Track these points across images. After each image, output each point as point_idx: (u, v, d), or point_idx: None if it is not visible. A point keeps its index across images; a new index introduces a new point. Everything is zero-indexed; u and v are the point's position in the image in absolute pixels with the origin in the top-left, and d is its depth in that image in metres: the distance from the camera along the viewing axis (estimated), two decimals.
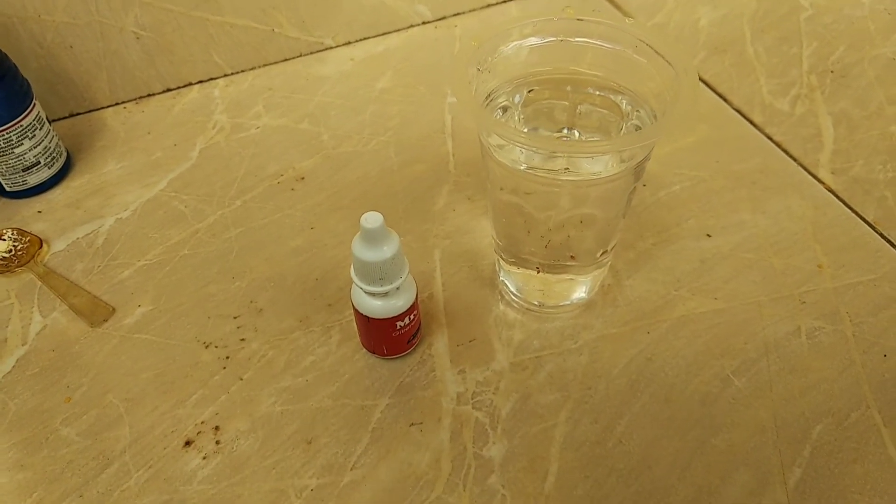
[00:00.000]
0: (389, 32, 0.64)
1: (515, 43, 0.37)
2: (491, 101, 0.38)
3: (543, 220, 0.36)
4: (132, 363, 0.41)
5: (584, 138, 0.39)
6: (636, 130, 0.37)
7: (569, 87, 0.39)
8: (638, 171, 0.35)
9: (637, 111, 0.37)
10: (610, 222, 0.37)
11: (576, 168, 0.35)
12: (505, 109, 0.39)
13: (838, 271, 0.44)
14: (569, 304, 0.42)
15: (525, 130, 0.39)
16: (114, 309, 0.44)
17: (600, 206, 0.35)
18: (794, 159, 0.51)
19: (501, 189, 0.36)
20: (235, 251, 0.46)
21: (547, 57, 0.38)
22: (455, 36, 0.64)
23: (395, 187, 0.50)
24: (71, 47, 0.54)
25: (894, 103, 0.55)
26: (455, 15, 0.66)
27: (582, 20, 0.37)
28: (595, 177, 0.34)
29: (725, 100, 0.56)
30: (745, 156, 0.51)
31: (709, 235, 0.46)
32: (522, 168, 0.34)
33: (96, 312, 0.43)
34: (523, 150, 0.34)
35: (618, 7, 0.67)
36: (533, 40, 0.37)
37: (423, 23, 0.65)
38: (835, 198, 0.48)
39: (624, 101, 0.37)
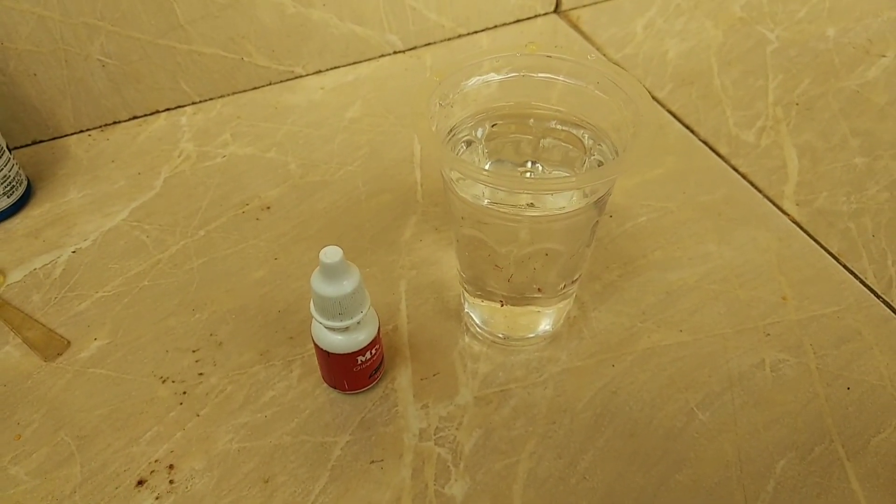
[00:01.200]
0: (360, 62, 0.64)
1: (478, 78, 0.37)
2: (454, 135, 0.38)
3: (506, 254, 0.36)
4: (86, 399, 0.40)
5: (548, 172, 0.39)
6: (598, 166, 0.37)
7: (532, 121, 0.39)
8: (600, 204, 0.35)
9: (599, 145, 0.37)
10: (574, 255, 0.37)
11: (540, 203, 0.35)
12: (469, 143, 0.38)
13: (803, 303, 0.44)
14: (534, 337, 0.42)
15: (489, 164, 0.39)
16: (69, 342, 0.42)
17: (564, 239, 0.35)
18: (760, 191, 0.52)
19: (463, 221, 0.36)
20: (197, 282, 0.46)
21: (510, 92, 0.38)
22: (426, 66, 0.64)
23: (362, 217, 0.50)
24: (34, 75, 0.53)
25: (858, 135, 0.56)
26: (426, 45, 0.66)
27: (545, 56, 0.37)
28: (558, 211, 0.34)
29: (692, 131, 0.57)
30: (712, 187, 0.52)
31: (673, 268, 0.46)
32: (485, 203, 0.34)
33: (51, 346, 0.42)
34: (486, 186, 0.34)
35: (588, 38, 0.68)
36: (495, 76, 0.37)
37: (395, 52, 0.65)
38: (799, 229, 0.49)
39: (586, 136, 0.38)
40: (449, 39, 0.67)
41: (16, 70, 0.52)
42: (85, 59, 0.54)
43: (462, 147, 0.38)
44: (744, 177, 0.53)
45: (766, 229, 0.49)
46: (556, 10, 0.71)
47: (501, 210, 0.34)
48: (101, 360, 0.41)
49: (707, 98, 0.60)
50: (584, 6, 0.72)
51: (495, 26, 0.68)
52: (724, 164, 0.54)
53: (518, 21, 0.69)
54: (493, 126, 0.39)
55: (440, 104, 0.36)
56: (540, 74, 0.38)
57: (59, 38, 0.52)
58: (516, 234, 0.35)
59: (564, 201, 0.35)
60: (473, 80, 0.37)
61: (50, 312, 0.44)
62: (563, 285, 0.39)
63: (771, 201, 0.51)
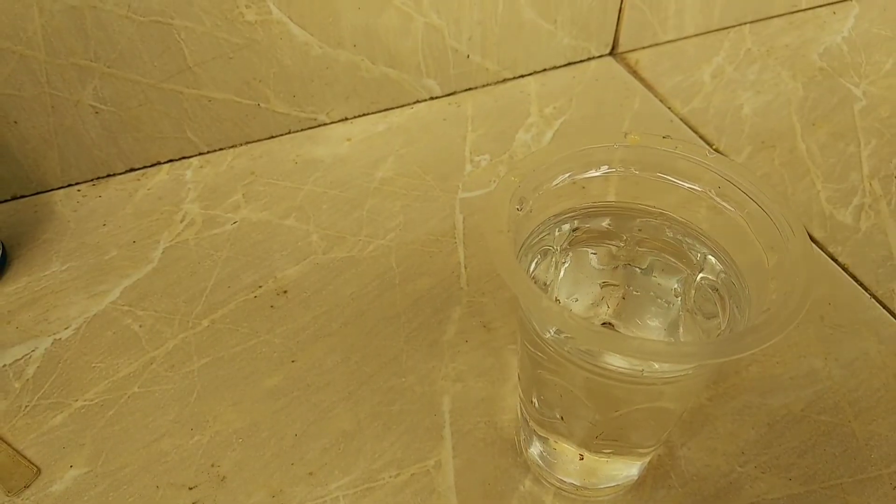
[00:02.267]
0: (392, 108, 0.56)
1: (564, 176, 0.29)
2: (526, 245, 0.30)
3: (598, 408, 0.28)
4: None
5: (643, 280, 0.31)
6: (714, 291, 0.29)
7: (637, 223, 0.31)
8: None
9: (715, 266, 0.29)
10: (685, 408, 0.29)
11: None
12: (545, 254, 0.30)
13: None
14: (613, 486, 0.34)
15: (563, 271, 0.31)
16: (39, 470, 0.35)
17: (679, 398, 0.27)
18: (866, 289, 0.44)
19: (540, 361, 0.28)
20: (197, 391, 0.38)
21: (601, 192, 0.30)
22: (466, 115, 0.56)
23: (397, 308, 0.42)
24: (15, 122, 0.45)
25: None
26: (466, 90, 0.58)
27: (649, 148, 0.29)
28: (677, 372, 0.26)
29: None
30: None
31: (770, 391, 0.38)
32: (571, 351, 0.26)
33: (16, 475, 0.34)
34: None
35: (649, 87, 0.60)
36: (592, 172, 0.29)
37: (431, 98, 0.57)
38: None
39: (699, 252, 0.30)
40: (493, 84, 0.59)
41: None
42: (75, 105, 0.46)
43: (538, 258, 0.31)
44: (845, 269, 0.45)
45: (879, 341, 0.41)
46: (612, 53, 0.63)
47: (604, 368, 0.26)
48: (76, 497, 0.34)
49: (793, 166, 0.52)
50: (643, 48, 0.64)
51: (544, 70, 0.60)
52: (820, 251, 0.46)
53: (570, 64, 0.61)
54: (575, 231, 0.31)
55: (518, 209, 0.28)
56: (640, 172, 0.30)
57: (44, 82, 0.44)
58: (616, 390, 0.27)
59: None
60: (559, 178, 0.29)
61: (18, 427, 0.36)
62: (666, 433, 0.31)
63: (881, 303, 0.43)
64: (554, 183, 0.29)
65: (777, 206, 0.27)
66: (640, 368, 0.26)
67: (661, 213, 0.30)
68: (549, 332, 0.27)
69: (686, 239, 0.30)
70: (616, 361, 0.26)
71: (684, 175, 0.29)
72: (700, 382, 0.28)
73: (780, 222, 0.27)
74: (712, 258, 0.29)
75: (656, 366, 0.27)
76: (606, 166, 0.30)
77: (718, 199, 0.28)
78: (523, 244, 0.29)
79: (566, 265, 0.32)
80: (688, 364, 0.25)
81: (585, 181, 0.30)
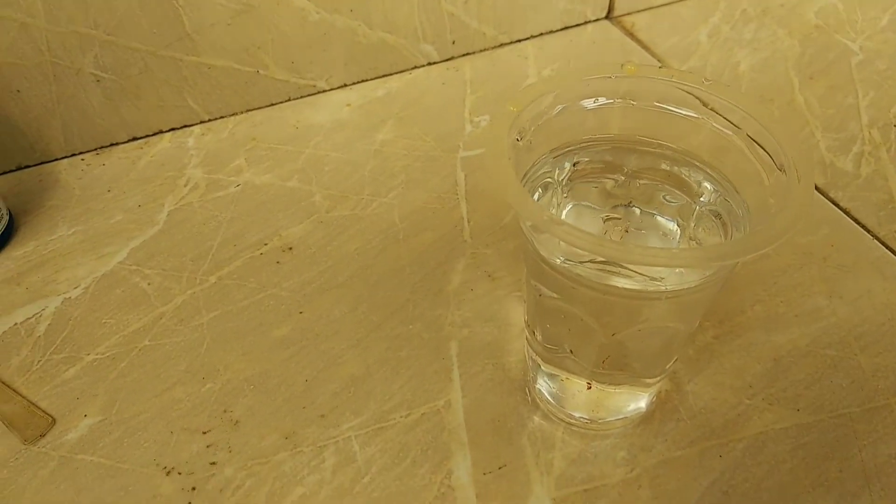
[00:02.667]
0: (391, 74, 0.57)
1: (561, 106, 0.30)
2: (528, 178, 0.30)
3: (605, 330, 0.28)
4: (74, 495, 0.32)
5: (646, 217, 0.31)
6: (716, 217, 0.29)
7: (633, 157, 0.31)
8: (731, 270, 0.27)
9: (715, 191, 0.29)
10: (692, 331, 0.29)
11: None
12: (546, 187, 0.31)
13: None
14: (622, 419, 0.34)
15: (567, 209, 0.32)
16: (54, 420, 0.35)
17: (685, 316, 0.28)
18: (868, 230, 0.44)
19: (543, 286, 0.28)
20: (207, 342, 0.38)
21: (602, 123, 0.31)
22: (465, 79, 0.56)
23: (401, 261, 0.42)
24: (18, 91, 0.45)
25: None
26: (464, 55, 0.58)
27: (646, 78, 0.29)
28: (685, 285, 0.26)
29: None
30: (811, 226, 0.44)
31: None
32: (582, 267, 0.26)
33: (32, 424, 0.35)
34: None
35: (646, 48, 0.60)
36: (588, 103, 0.30)
37: (429, 63, 0.58)
38: None
39: (699, 179, 0.30)
40: (490, 49, 0.59)
41: None
42: (76, 73, 0.46)
43: (539, 192, 0.31)
44: (847, 213, 0.45)
45: (883, 279, 0.41)
46: (609, 16, 0.63)
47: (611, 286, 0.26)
48: (91, 444, 0.34)
49: (791, 118, 0.52)
50: (639, 11, 0.64)
51: (541, 34, 0.61)
52: (821, 197, 0.46)
53: (566, 28, 0.62)
54: (575, 165, 0.31)
55: (518, 139, 0.29)
56: (638, 102, 0.30)
57: (45, 50, 0.45)
58: (623, 309, 0.27)
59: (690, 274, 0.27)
60: (557, 108, 0.30)
61: (32, 380, 0.37)
62: (672, 362, 0.31)
63: (883, 243, 0.43)
64: (552, 114, 0.29)
65: (773, 126, 0.27)
66: (644, 285, 0.26)
67: (658, 143, 0.31)
68: (559, 259, 0.27)
69: (683, 168, 0.30)
70: (621, 282, 0.26)
71: (682, 103, 0.30)
72: (702, 300, 0.28)
73: (777, 141, 0.27)
74: (708, 184, 0.29)
75: (662, 279, 0.27)
76: (604, 97, 0.30)
77: (716, 125, 0.29)
78: (525, 176, 0.30)
79: (568, 199, 0.32)
80: (690, 266, 0.25)
81: (584, 112, 0.30)
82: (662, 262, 0.23)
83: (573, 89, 0.30)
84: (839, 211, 0.45)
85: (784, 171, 0.26)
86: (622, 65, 0.30)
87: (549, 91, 0.29)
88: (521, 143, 0.29)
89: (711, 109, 0.29)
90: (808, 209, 0.24)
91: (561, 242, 0.24)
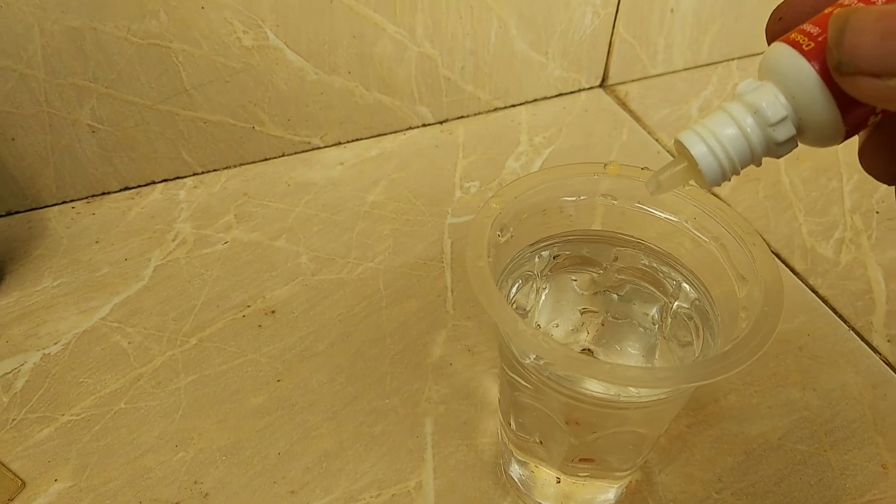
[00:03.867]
0: (385, 134, 0.57)
1: (544, 202, 0.30)
2: (508, 270, 0.30)
3: (574, 432, 0.28)
4: None
5: (622, 305, 0.32)
6: (688, 320, 0.30)
7: (613, 251, 0.31)
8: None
9: (689, 294, 0.30)
10: (659, 433, 0.30)
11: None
12: (527, 279, 0.31)
13: None
14: None
15: (544, 297, 0.32)
16: (24, 483, 0.35)
17: (652, 423, 0.28)
18: (845, 320, 0.44)
19: (519, 385, 0.29)
20: (183, 408, 0.38)
21: (582, 219, 0.31)
22: (458, 143, 0.57)
23: (383, 330, 0.43)
24: (13, 139, 0.46)
25: None
26: (458, 118, 0.59)
27: (626, 179, 0.30)
28: (653, 398, 0.26)
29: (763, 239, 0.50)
30: (790, 313, 0.45)
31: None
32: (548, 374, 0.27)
33: (1, 488, 0.35)
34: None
35: (637, 119, 0.61)
36: (567, 199, 0.30)
37: (423, 125, 0.58)
38: (895, 374, 0.41)
39: (674, 280, 0.30)
40: (485, 113, 0.60)
41: None
42: (72, 123, 0.47)
43: (519, 282, 0.31)
44: (825, 301, 0.46)
45: (857, 372, 0.41)
46: (602, 85, 0.64)
47: (582, 394, 0.26)
48: None
49: (776, 199, 0.53)
50: (633, 81, 0.65)
51: (535, 100, 0.62)
52: (801, 283, 0.47)
53: (560, 95, 0.63)
54: (555, 258, 0.32)
55: (499, 235, 0.29)
56: (619, 202, 0.31)
57: (43, 100, 0.45)
58: (592, 414, 0.27)
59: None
60: (540, 204, 0.30)
61: (5, 440, 0.37)
62: (640, 459, 0.31)
63: (859, 335, 0.44)
64: (535, 210, 0.30)
65: (748, 238, 0.28)
66: (616, 393, 0.27)
67: (638, 242, 0.31)
68: (529, 358, 0.27)
69: (662, 267, 0.31)
70: (593, 386, 0.27)
71: (662, 206, 0.30)
72: (673, 408, 0.29)
73: (751, 254, 0.27)
74: (687, 286, 0.30)
75: (632, 391, 0.27)
76: (586, 195, 0.31)
77: (694, 230, 0.29)
78: (504, 269, 0.30)
79: (547, 291, 0.32)
80: (659, 388, 0.26)
81: (566, 209, 0.31)
82: (622, 382, 0.24)
83: (556, 186, 0.30)
84: (818, 299, 0.46)
85: (751, 283, 0.27)
86: (605, 164, 0.31)
87: (532, 187, 0.30)
88: (502, 238, 0.29)
89: (691, 215, 0.30)
90: (772, 335, 0.24)
91: None
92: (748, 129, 0.20)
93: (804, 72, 0.19)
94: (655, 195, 0.24)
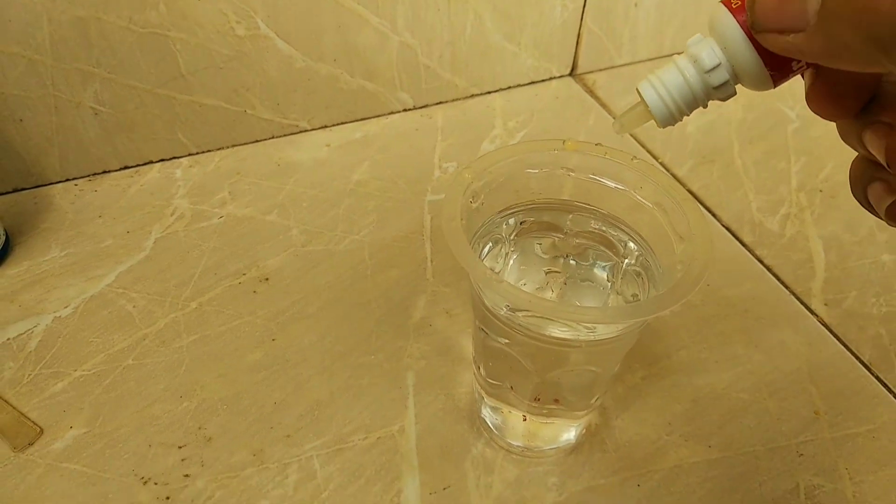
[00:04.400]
0: (369, 118, 0.61)
1: (511, 173, 0.34)
2: (479, 234, 0.35)
3: (537, 371, 0.32)
4: (58, 500, 0.36)
5: (583, 268, 0.36)
6: (637, 276, 0.34)
7: (569, 218, 0.36)
8: (640, 327, 0.32)
9: (636, 252, 0.34)
10: (613, 373, 0.34)
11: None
12: (496, 242, 0.35)
13: (836, 419, 0.41)
14: (555, 448, 0.38)
15: (513, 260, 0.36)
16: (41, 430, 0.38)
17: (605, 361, 0.32)
18: (787, 287, 0.49)
19: (488, 330, 0.33)
20: (186, 364, 0.42)
21: (544, 189, 0.35)
22: (436, 126, 0.61)
23: (368, 296, 0.46)
24: (20, 120, 0.49)
25: (884, 230, 0.54)
26: (437, 104, 0.63)
27: (583, 154, 0.34)
28: (606, 336, 0.31)
29: (714, 215, 0.55)
30: (737, 280, 0.49)
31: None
32: (519, 319, 0.31)
33: (21, 434, 0.38)
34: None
35: (603, 105, 0.65)
36: (531, 171, 0.34)
37: (405, 110, 0.62)
38: (829, 333, 0.46)
39: (624, 241, 0.35)
40: (462, 99, 0.64)
41: (1, 115, 0.48)
42: (76, 106, 0.50)
43: (490, 245, 0.35)
44: (769, 269, 0.50)
45: (795, 332, 0.46)
46: (572, 73, 0.69)
47: (543, 335, 0.30)
48: (76, 454, 0.37)
49: (729, 178, 0.58)
50: (601, 70, 0.69)
51: (509, 87, 0.66)
52: (748, 254, 0.51)
53: (532, 83, 0.67)
54: (521, 224, 0.36)
55: (471, 202, 0.33)
56: (576, 174, 0.35)
57: (49, 84, 0.48)
58: (552, 354, 0.31)
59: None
60: (507, 175, 0.34)
61: (22, 392, 0.40)
62: (595, 399, 0.36)
63: (799, 299, 0.48)
64: (503, 180, 0.34)
65: (685, 203, 0.32)
66: (575, 335, 0.31)
67: (591, 208, 0.36)
68: (502, 310, 0.32)
69: (611, 230, 0.35)
70: (555, 330, 0.31)
71: (612, 176, 0.34)
72: (622, 347, 0.33)
73: (686, 216, 0.32)
74: (633, 245, 0.34)
75: (588, 329, 0.32)
76: (548, 168, 0.35)
77: (640, 197, 0.34)
78: (476, 232, 0.34)
79: (515, 253, 0.36)
80: (610, 323, 0.30)
81: (529, 179, 0.35)
82: (581, 318, 0.28)
83: (521, 160, 0.35)
84: (763, 268, 0.50)
85: (686, 241, 0.31)
86: (563, 141, 0.35)
87: (501, 160, 0.34)
88: (474, 205, 0.33)
89: (637, 184, 0.34)
90: (701, 283, 0.29)
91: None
92: (689, 76, 0.24)
93: (731, 27, 0.23)
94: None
